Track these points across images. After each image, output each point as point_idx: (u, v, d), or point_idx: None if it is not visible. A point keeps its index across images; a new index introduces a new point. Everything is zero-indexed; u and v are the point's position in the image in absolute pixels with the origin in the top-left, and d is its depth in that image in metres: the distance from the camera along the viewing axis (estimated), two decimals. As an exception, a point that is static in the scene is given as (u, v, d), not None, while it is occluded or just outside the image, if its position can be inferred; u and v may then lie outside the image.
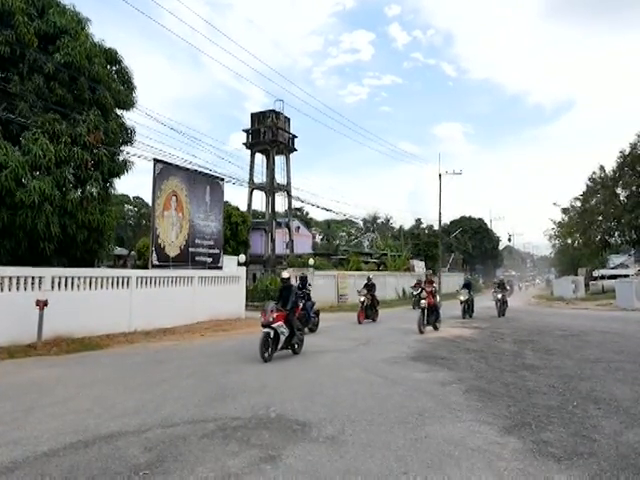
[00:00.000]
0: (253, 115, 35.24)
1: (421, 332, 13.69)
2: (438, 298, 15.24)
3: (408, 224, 68.23)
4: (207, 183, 18.00)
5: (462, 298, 19.80)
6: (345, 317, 19.36)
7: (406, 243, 45.05)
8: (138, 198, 44.47)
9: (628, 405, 6.05)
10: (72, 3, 15.24)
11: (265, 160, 35.15)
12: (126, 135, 16.36)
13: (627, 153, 35.62)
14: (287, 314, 9.69)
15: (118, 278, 13.44)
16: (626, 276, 31.97)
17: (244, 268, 19.98)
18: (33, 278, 11.14)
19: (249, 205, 34.95)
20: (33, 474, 3.91)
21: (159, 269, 15.16)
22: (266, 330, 9.20)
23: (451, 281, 42.74)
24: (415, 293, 15.27)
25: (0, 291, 10.56)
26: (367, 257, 40.82)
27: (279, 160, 35.02)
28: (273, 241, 33.42)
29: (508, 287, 35.60)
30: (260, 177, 34.81)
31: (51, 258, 13.59)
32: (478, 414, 5.68)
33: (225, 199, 20.12)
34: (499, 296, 20.66)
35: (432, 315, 14.56)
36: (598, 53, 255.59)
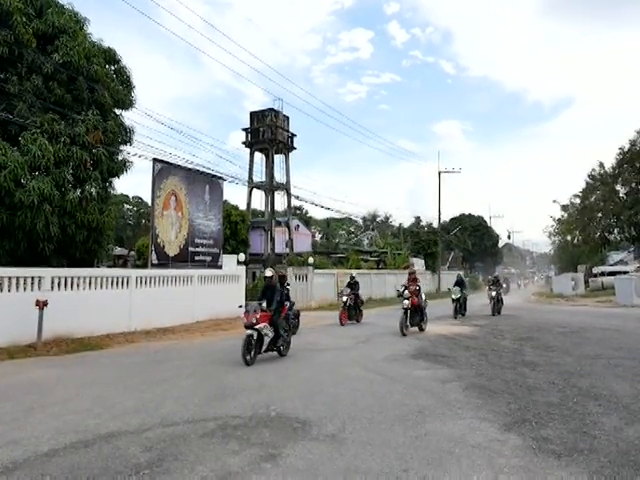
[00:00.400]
0: (252, 114, 35.17)
1: (403, 334, 12.74)
2: (424, 297, 14.36)
3: (408, 222, 68.25)
4: (206, 182, 17.99)
5: (454, 297, 18.96)
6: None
7: (406, 241, 45.09)
8: (137, 198, 44.45)
9: (628, 401, 6.05)
10: (70, 3, 15.26)
11: (264, 159, 35.09)
12: (125, 135, 16.34)
13: (626, 150, 35.63)
14: (272, 315, 9.26)
15: (118, 278, 13.44)
16: (625, 273, 31.94)
17: (244, 267, 19.97)
18: (33, 278, 11.13)
19: (248, 204, 34.91)
20: (34, 474, 3.92)
21: (159, 268, 15.16)
22: (249, 332, 8.77)
23: (451, 279, 42.60)
24: (399, 291, 14.10)
25: (0, 291, 10.56)
26: (367, 255, 40.79)
27: (278, 159, 34.97)
28: (273, 240, 33.40)
29: (504, 285, 35.43)
30: (259, 176, 34.76)
31: (50, 258, 13.58)
32: (478, 411, 5.68)
33: (224, 198, 20.14)
34: (493, 294, 20.08)
35: (416, 316, 13.62)
36: (596, 50, 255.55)
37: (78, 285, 12.20)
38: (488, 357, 9.49)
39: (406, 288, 13.81)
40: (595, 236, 38.97)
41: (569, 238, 43.93)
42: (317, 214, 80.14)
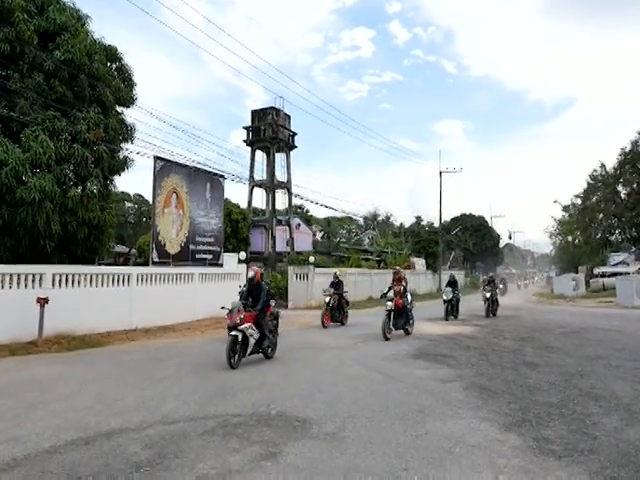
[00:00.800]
0: (253, 112, 35.16)
1: (386, 338, 11.86)
2: (410, 298, 13.54)
3: (408, 221, 68.26)
4: (207, 180, 17.99)
5: (445, 297, 17.98)
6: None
7: (406, 240, 45.01)
8: (138, 195, 44.43)
9: (628, 402, 6.05)
10: (72, 0, 15.21)
11: (265, 157, 35.10)
12: (126, 132, 16.33)
13: (628, 150, 35.58)
14: (257, 315, 8.77)
15: (118, 275, 13.46)
16: (627, 274, 31.94)
17: (244, 265, 19.97)
18: (34, 275, 11.14)
19: (249, 202, 34.91)
20: (35, 471, 3.92)
21: (159, 266, 15.17)
22: (233, 333, 8.29)
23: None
24: (382, 291, 13.31)
25: (1, 288, 10.57)
26: (367, 254, 40.79)
27: (279, 157, 34.96)
28: (273, 238, 33.40)
29: (501, 285, 35.16)
30: (260, 174, 34.76)
31: (51, 256, 13.58)
32: (478, 411, 5.68)
33: (225, 196, 20.14)
34: (488, 294, 19.12)
35: (400, 318, 12.69)
36: (598, 50, 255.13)
37: (79, 282, 12.21)
38: (489, 357, 9.49)
39: (390, 289, 13.07)
40: (596, 237, 38.95)
41: (570, 239, 43.95)
42: (318, 213, 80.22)
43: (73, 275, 12.07)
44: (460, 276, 48.31)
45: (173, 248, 15.97)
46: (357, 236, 65.95)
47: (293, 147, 35.67)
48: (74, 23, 14.50)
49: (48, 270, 11.51)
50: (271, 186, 33.91)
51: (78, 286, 12.16)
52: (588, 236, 39.12)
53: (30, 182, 12.17)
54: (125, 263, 27.47)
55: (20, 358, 9.41)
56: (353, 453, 4.32)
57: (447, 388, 6.86)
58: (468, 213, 70.18)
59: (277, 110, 33.85)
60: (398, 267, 16.88)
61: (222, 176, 19.43)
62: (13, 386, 7.03)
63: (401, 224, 65.01)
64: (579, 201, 40.63)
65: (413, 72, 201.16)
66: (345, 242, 57.06)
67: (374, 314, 19.41)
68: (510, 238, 77.70)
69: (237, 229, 28.04)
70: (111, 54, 15.95)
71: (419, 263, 40.63)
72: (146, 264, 16.25)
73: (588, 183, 39.46)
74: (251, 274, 9.32)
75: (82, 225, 14.09)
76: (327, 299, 15.39)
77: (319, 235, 63.10)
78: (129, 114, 16.83)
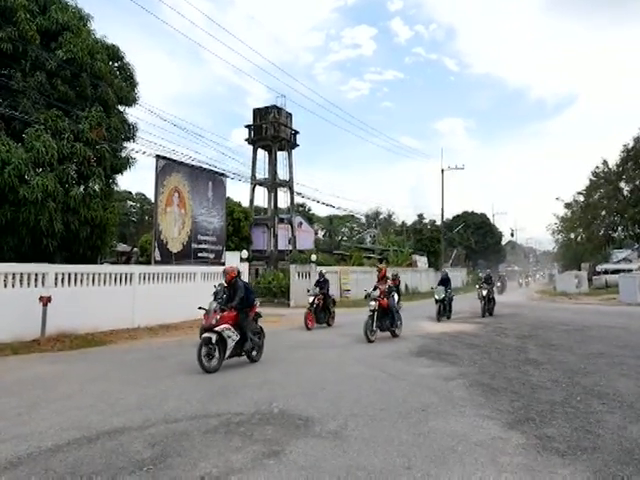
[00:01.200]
0: (255, 111, 35.16)
1: (369, 340, 11.17)
2: (396, 298, 12.74)
3: (410, 219, 68.24)
4: (209, 179, 17.99)
5: (437, 297, 16.75)
6: (341, 313, 19.36)
7: (408, 239, 45.03)
8: (141, 194, 44.52)
9: (632, 400, 6.03)
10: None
11: (267, 156, 35.11)
12: (128, 131, 16.34)
13: (630, 147, 35.48)
14: (237, 315, 8.30)
15: (121, 274, 13.47)
16: (629, 271, 31.84)
17: (246, 264, 20.00)
18: (36, 274, 11.17)
19: (251, 201, 34.93)
20: (37, 469, 3.93)
21: (162, 265, 15.18)
22: (206, 335, 7.83)
23: (453, 276, 42.57)
24: (366, 291, 12.47)
25: (4, 287, 10.59)
26: (369, 253, 40.79)
27: (281, 156, 34.98)
28: (275, 237, 33.42)
29: (499, 283, 34.88)
30: (262, 173, 34.78)
31: (54, 254, 13.61)
32: (481, 409, 5.67)
33: (227, 195, 20.14)
34: (484, 293, 18.21)
35: (386, 319, 11.89)
36: (600, 47, 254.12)
37: (82, 281, 12.23)
38: (491, 355, 9.48)
39: (376, 288, 12.24)
40: (599, 234, 38.85)
41: (572, 236, 43.81)
42: (320, 211, 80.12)
43: (75, 274, 12.09)
44: (462, 274, 48.36)
45: (175, 247, 15.98)
46: (359, 234, 65.96)
47: (295, 145, 35.66)
48: (76, 22, 14.51)
49: (51, 269, 11.53)
50: (273, 184, 33.92)
51: (81, 285, 12.19)
52: (591, 233, 39.03)
53: (33, 181, 12.19)
54: (127, 262, 27.54)
55: (23, 357, 9.44)
56: (356, 451, 4.32)
57: (450, 386, 6.85)
58: (470, 211, 70.15)
59: (279, 108, 33.84)
60: (382, 265, 16.07)
61: (224, 175, 19.44)
62: (16, 384, 7.05)
63: (403, 222, 65.11)
64: (581, 198, 40.53)
65: (415, 70, 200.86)
66: (347, 240, 57.11)
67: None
68: (512, 236, 77.46)
69: (239, 228, 28.08)
70: (113, 53, 15.97)
71: (421, 261, 40.61)
72: (148, 263, 16.26)
73: (590, 180, 39.37)
74: (225, 272, 8.74)
75: (84, 224, 14.12)
76: (311, 299, 14.54)
77: (321, 233, 63.15)
78: (131, 113, 16.87)
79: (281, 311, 19.95)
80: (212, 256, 17.67)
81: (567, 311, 21.04)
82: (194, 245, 16.82)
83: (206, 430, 4.90)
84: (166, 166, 15.88)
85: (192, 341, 11.79)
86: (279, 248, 33.48)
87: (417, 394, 6.37)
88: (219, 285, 8.99)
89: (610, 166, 37.62)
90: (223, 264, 18.00)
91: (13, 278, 10.77)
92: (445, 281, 17.47)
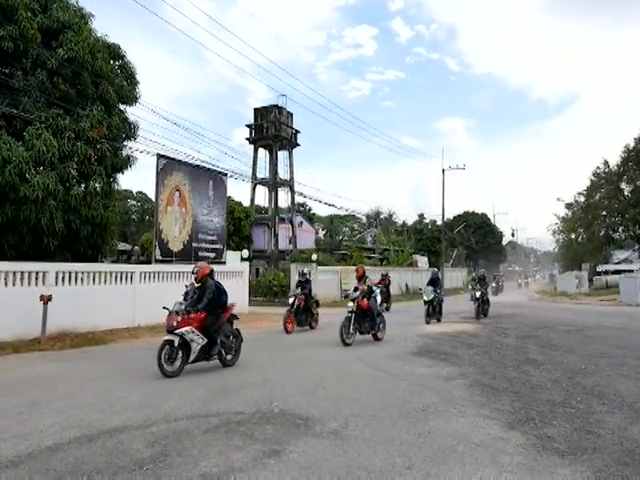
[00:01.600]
0: (256, 110, 35.18)
1: (345, 344, 10.54)
2: (379, 299, 12.02)
3: (411, 219, 68.26)
4: (210, 178, 17.99)
5: (425, 298, 15.67)
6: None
7: (409, 238, 45.04)
8: (141, 193, 44.50)
9: (632, 400, 6.03)
10: (75, -2, 15.22)
11: (268, 155, 35.12)
12: (129, 130, 16.37)
13: (631, 147, 35.48)
14: (205, 317, 7.85)
15: (122, 273, 13.47)
16: (630, 271, 31.80)
17: (247, 263, 20.00)
18: (37, 273, 11.17)
19: (252, 200, 34.94)
20: (38, 468, 3.93)
21: (162, 264, 15.18)
22: (167, 337, 7.46)
23: (454, 276, 42.74)
24: (346, 291, 11.76)
25: (4, 286, 10.60)
26: (370, 252, 40.79)
27: (282, 155, 35.01)
28: (276, 236, 33.44)
29: (493, 283, 34.43)
30: (263, 172, 34.81)
31: (55, 253, 13.63)
32: (481, 409, 5.67)
33: (228, 194, 20.14)
34: (477, 294, 17.12)
35: (365, 321, 11.18)
36: (601, 47, 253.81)
37: (82, 280, 12.23)
38: (491, 355, 9.47)
39: (357, 288, 11.44)
40: (599, 234, 38.86)
41: (573, 236, 43.78)
42: (320, 211, 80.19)
43: (76, 273, 12.08)
44: (463, 274, 48.33)
45: (176, 246, 15.99)
46: (360, 234, 65.94)
47: (296, 145, 35.68)
48: (77, 21, 14.52)
49: (51, 268, 11.53)
50: (274, 184, 33.92)
51: (81, 284, 12.19)
52: (591, 234, 39.03)
53: (33, 180, 12.21)
54: (128, 261, 27.56)
55: (23, 355, 9.44)
56: (356, 451, 4.31)
57: (450, 386, 6.85)
58: (471, 211, 70.14)
59: (280, 108, 33.84)
60: (361, 264, 15.05)
61: (225, 174, 19.43)
62: (17, 383, 7.05)
63: (404, 222, 65.14)
64: (582, 198, 40.52)
65: (416, 70, 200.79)
66: (348, 240, 57.11)
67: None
68: (513, 236, 77.53)
69: (240, 227, 28.09)
70: (114, 52, 15.98)
71: (422, 261, 40.60)
72: (149, 262, 16.27)
73: (591, 180, 39.37)
74: (195, 270, 8.27)
75: (85, 223, 14.13)
76: (291, 300, 13.72)
77: (322, 233, 63.16)
78: (132, 112, 16.89)
79: (281, 310, 19.80)
80: (213, 255, 17.67)
81: (567, 311, 21.03)
82: (195, 244, 16.82)
83: (206, 429, 4.90)
84: (167, 165, 15.88)
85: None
86: (280, 248, 33.50)
87: (417, 394, 6.37)
88: (190, 284, 8.39)
89: (611, 166, 37.64)
90: (224, 263, 18.04)
91: (14, 277, 10.77)
92: (434, 281, 16.56)
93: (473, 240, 61.32)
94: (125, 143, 16.38)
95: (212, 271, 10.44)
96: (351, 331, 10.86)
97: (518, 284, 52.19)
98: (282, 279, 25.11)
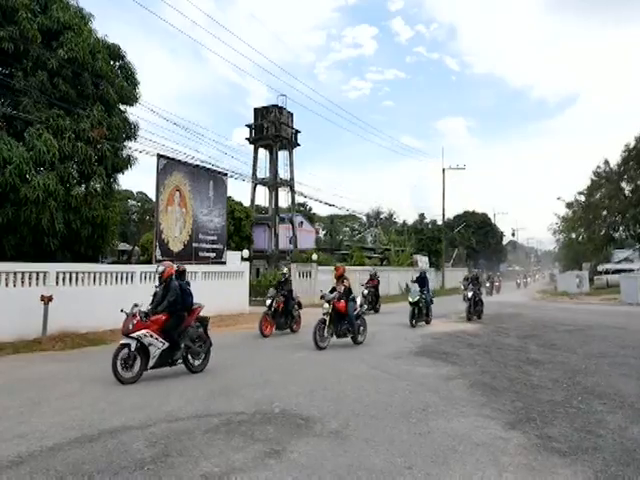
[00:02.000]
0: (256, 110, 35.15)
1: (319, 347, 9.94)
2: (359, 301, 11.39)
3: (412, 219, 68.21)
4: (210, 178, 18.00)
5: (410, 299, 14.50)
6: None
7: (409, 238, 44.99)
8: (142, 193, 44.47)
9: (633, 400, 6.03)
10: (75, -2, 15.22)
11: (268, 155, 35.10)
12: (129, 130, 16.35)
13: (632, 146, 35.43)
14: (166, 320, 7.41)
15: (122, 273, 13.47)
16: (631, 271, 31.78)
17: (247, 263, 19.99)
18: (38, 273, 11.18)
19: (252, 200, 34.92)
20: (39, 468, 3.93)
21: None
22: (123, 341, 7.05)
23: (454, 276, 42.63)
24: (322, 291, 11.10)
25: (5, 286, 10.61)
26: (370, 252, 40.78)
27: (282, 155, 34.97)
28: (276, 236, 33.41)
29: (487, 283, 33.61)
30: (263, 172, 34.78)
31: (55, 254, 13.63)
32: (482, 409, 5.67)
33: (228, 194, 20.14)
34: (469, 294, 16.17)
35: (342, 324, 10.51)
36: (602, 46, 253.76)
37: (83, 280, 12.24)
38: (492, 355, 9.47)
39: (334, 289, 10.89)
40: (600, 234, 38.82)
41: (574, 236, 43.75)
42: (321, 211, 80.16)
43: (77, 273, 12.09)
44: (463, 274, 48.24)
45: (176, 246, 15.99)
46: (360, 234, 65.92)
47: (296, 145, 35.66)
48: (77, 22, 14.52)
49: (52, 268, 11.54)
50: (274, 184, 33.90)
51: (82, 284, 12.20)
52: (592, 233, 39.00)
53: (34, 180, 12.21)
54: (128, 261, 27.56)
55: (24, 356, 9.45)
56: (357, 451, 4.32)
57: (451, 386, 6.85)
58: (471, 210, 70.02)
59: (280, 108, 33.81)
60: (340, 264, 13.76)
61: (225, 174, 19.43)
62: (17, 384, 7.06)
63: (404, 221, 65.09)
64: (583, 198, 40.47)
65: (416, 69, 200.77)
66: (348, 240, 57.11)
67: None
68: (513, 235, 77.57)
69: (240, 227, 28.06)
70: (114, 52, 15.98)
71: (422, 261, 40.55)
72: (149, 262, 16.27)
73: (592, 180, 39.34)
74: (161, 268, 7.82)
75: (86, 223, 14.14)
76: (268, 302, 12.78)
77: (322, 233, 63.15)
78: (132, 112, 16.87)
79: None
80: (213, 255, 17.68)
81: (568, 311, 21.01)
82: (195, 244, 16.82)
83: (207, 429, 4.90)
84: (167, 165, 15.88)
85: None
86: (280, 248, 33.48)
87: (418, 394, 6.37)
88: (159, 286, 7.87)
89: (611, 166, 37.61)
90: (224, 263, 18.04)
91: (14, 277, 10.78)
92: (421, 280, 15.37)
93: (473, 240, 61.26)
94: (125, 143, 16.37)
95: (184, 271, 10.35)
96: (325, 334, 10.27)
97: (517, 284, 50.62)
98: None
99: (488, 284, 34.06)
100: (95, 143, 14.02)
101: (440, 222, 45.14)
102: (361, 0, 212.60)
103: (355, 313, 10.80)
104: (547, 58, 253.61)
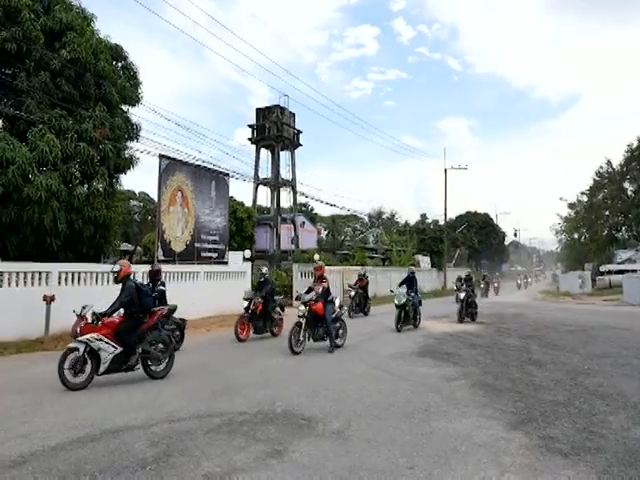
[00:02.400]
0: (258, 110, 35.15)
1: (293, 352, 9.34)
2: (337, 302, 10.74)
3: (413, 219, 68.09)
4: (212, 178, 18.02)
5: (396, 302, 13.33)
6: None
7: (411, 238, 44.95)
8: (144, 194, 44.51)
9: (636, 400, 6.01)
10: (78, -1, 15.25)
11: (270, 155, 35.10)
12: (132, 131, 16.36)
13: (635, 147, 35.39)
14: (120, 322, 7.05)
15: (124, 273, 13.46)
16: (633, 271, 31.67)
17: (249, 263, 19.98)
18: (40, 273, 11.21)
19: (254, 200, 34.92)
20: (41, 468, 3.95)
21: (165, 264, 15.18)
22: (71, 345, 6.75)
23: (455, 276, 42.50)
24: (298, 292, 10.25)
25: (8, 286, 10.64)
26: (372, 252, 40.76)
27: (284, 155, 34.96)
28: (278, 236, 33.41)
29: (482, 285, 30.73)
30: (265, 172, 34.77)
31: (58, 254, 13.65)
32: (484, 409, 5.66)
33: (230, 194, 20.16)
34: (462, 295, 15.62)
35: (319, 327, 9.94)
36: (604, 46, 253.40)
37: (85, 280, 12.27)
38: (494, 355, 9.46)
39: (310, 289, 10.32)
40: (602, 234, 38.79)
41: (576, 236, 43.72)
42: (323, 211, 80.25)
43: (79, 273, 12.13)
44: (464, 274, 48.04)
45: (178, 246, 16.01)
46: (362, 234, 65.87)
47: (298, 145, 35.65)
48: (80, 22, 14.54)
49: (54, 268, 11.57)
50: (276, 184, 33.90)
51: (84, 284, 12.23)
52: (594, 233, 38.96)
53: (36, 180, 12.23)
54: (130, 261, 27.59)
55: (26, 356, 9.47)
56: (359, 451, 4.32)
57: (453, 386, 6.84)
58: (473, 211, 69.92)
59: (282, 108, 33.81)
60: (320, 262, 12.90)
61: (227, 174, 19.46)
62: (20, 384, 7.08)
63: (406, 222, 64.96)
64: (585, 198, 40.47)
65: (418, 69, 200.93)
66: (350, 240, 57.02)
67: (380, 314, 19.32)
68: (516, 236, 77.33)
69: (242, 227, 28.06)
70: (116, 53, 15.99)
71: (424, 261, 40.52)
72: (151, 262, 16.28)
73: (594, 180, 39.31)
74: (116, 268, 7.31)
75: (88, 223, 14.15)
76: (245, 304, 11.78)
77: (324, 233, 63.09)
78: (134, 112, 16.90)
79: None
80: (215, 255, 17.70)
81: (570, 311, 20.96)
82: (197, 244, 16.84)
83: (209, 429, 4.91)
84: (169, 165, 15.90)
85: (194, 341, 11.82)
86: (282, 248, 33.47)
87: (420, 394, 6.37)
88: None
89: (614, 166, 37.58)
90: (226, 264, 18.05)
91: (17, 277, 10.81)
92: (409, 281, 14.17)
93: (475, 240, 61.14)
94: (128, 144, 16.39)
95: (158, 271, 9.89)
96: (301, 338, 9.65)
97: (517, 284, 48.46)
98: (284, 279, 25.10)
99: (482, 285, 31.56)
100: (97, 143, 14.04)
101: (442, 222, 45.12)
102: (363, 0, 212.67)
103: (334, 315, 10.26)
104: (548, 58, 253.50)
